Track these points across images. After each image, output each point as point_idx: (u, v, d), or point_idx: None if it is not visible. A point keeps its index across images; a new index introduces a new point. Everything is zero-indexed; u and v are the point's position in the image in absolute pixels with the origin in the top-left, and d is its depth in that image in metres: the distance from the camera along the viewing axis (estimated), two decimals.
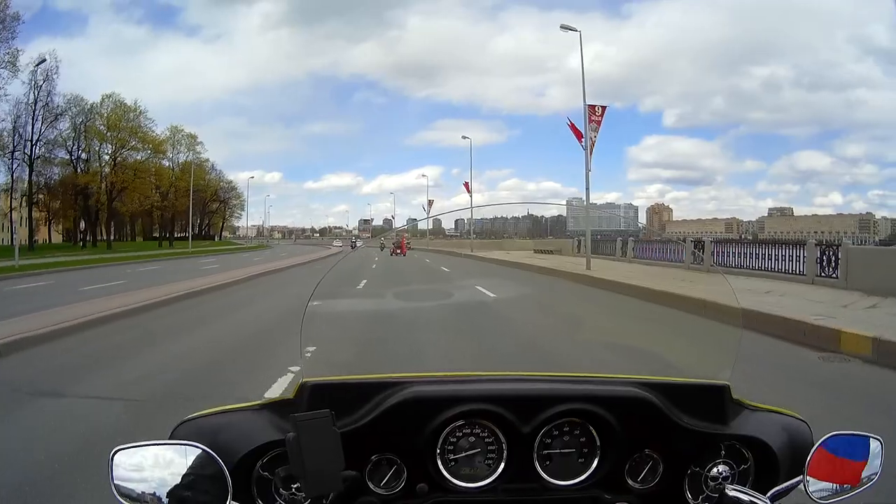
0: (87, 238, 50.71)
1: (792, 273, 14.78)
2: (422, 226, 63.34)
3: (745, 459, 1.24)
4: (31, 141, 45.07)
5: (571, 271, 18.40)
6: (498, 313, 10.24)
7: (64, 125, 48.31)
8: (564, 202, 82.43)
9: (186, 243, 51.98)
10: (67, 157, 49.51)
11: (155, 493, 0.96)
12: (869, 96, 71.91)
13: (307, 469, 0.97)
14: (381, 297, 10.96)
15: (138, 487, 0.96)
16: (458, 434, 1.18)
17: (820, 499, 1.13)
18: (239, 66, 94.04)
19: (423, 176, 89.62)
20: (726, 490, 1.14)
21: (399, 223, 74.85)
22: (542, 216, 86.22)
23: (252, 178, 78.08)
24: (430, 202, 58.89)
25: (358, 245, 41.21)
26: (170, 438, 1.09)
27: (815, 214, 67.96)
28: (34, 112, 44.73)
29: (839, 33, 74.77)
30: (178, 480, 0.97)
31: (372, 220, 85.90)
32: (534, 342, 7.52)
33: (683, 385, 1.28)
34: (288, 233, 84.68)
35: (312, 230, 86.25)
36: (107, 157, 51.38)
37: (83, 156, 50.23)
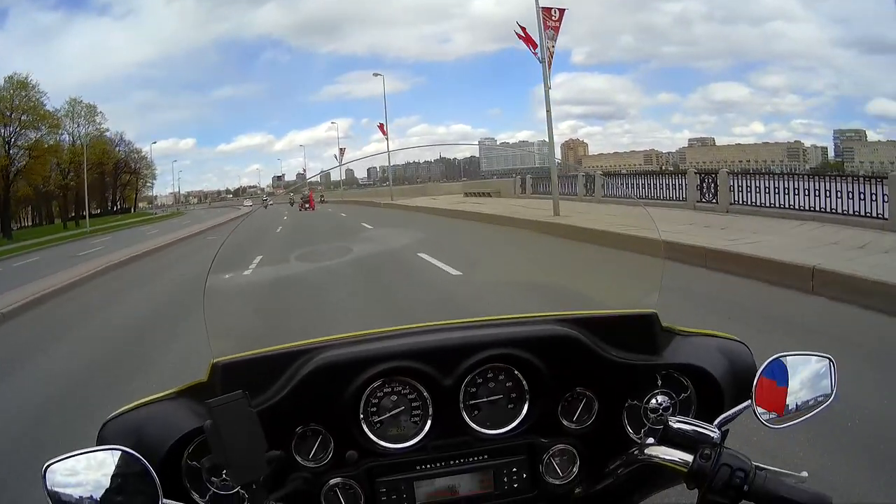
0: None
1: (862, 216, 9.97)
2: (335, 177, 59.96)
3: (684, 388, 1.18)
4: None
5: (535, 219, 13.59)
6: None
7: None
8: (477, 143, 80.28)
9: (99, 220, 48.11)
10: None
11: (90, 501, 0.88)
12: (787, 28, 70.28)
13: (229, 457, 0.90)
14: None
15: (74, 498, 0.88)
16: (378, 394, 1.10)
17: (768, 422, 1.05)
18: (148, 40, 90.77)
19: (333, 123, 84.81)
20: (670, 422, 0.98)
21: (311, 175, 72.99)
22: (455, 158, 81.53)
23: (154, 143, 73.81)
24: (342, 150, 55.65)
25: (269, 203, 39.33)
26: (97, 442, 1.01)
27: (739, 144, 65.49)
28: None
29: None
30: (109, 485, 0.89)
31: (283, 175, 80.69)
32: None
33: (607, 317, 1.21)
34: (203, 197, 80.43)
35: (227, 191, 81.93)
36: (15, 139, 46.09)
37: None
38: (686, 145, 71.71)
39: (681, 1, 79.15)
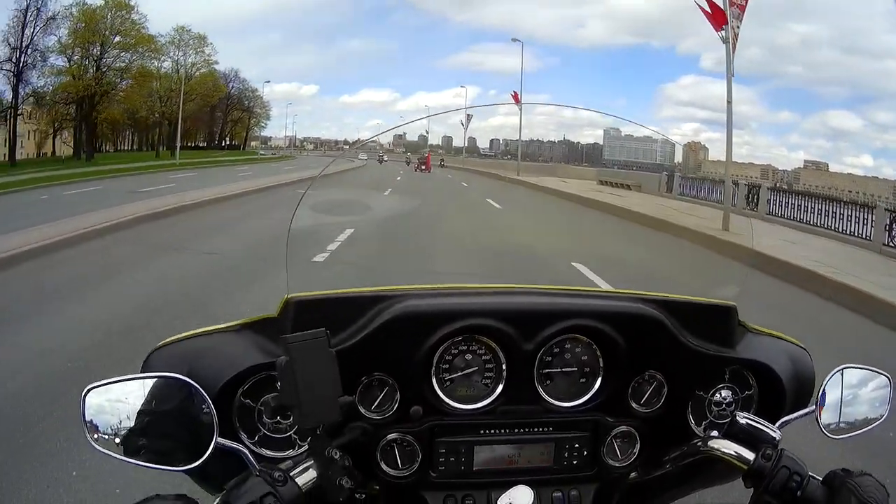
0: (83, 150, 43.00)
1: None
2: (457, 143, 58.82)
3: (748, 385, 1.13)
4: (20, 48, 37.91)
5: (703, 231, 11.04)
6: None
7: (63, 32, 41.14)
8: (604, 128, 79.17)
9: (197, 153, 46.87)
10: (66, 64, 42.08)
11: (131, 431, 0.80)
12: None
13: (302, 398, 0.82)
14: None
15: (113, 426, 0.80)
16: (453, 351, 1.03)
17: (827, 431, 1.02)
18: None
19: (462, 87, 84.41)
20: (737, 418, 0.95)
21: (433, 139, 72.91)
22: (578, 142, 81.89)
23: (268, 82, 71.40)
24: (469, 117, 51.75)
25: (385, 160, 39.80)
26: (143, 369, 0.91)
27: (851, 174, 62.23)
28: (24, 18, 37.53)
29: (877, 4, 65.80)
30: (156, 415, 0.82)
31: (405, 134, 79.99)
32: None
33: (690, 303, 1.13)
34: (319, 144, 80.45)
35: (345, 142, 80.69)
36: (108, 61, 44.35)
37: (84, 63, 42.98)
38: (801, 166, 69.39)
39: (808, 24, 75.13)
